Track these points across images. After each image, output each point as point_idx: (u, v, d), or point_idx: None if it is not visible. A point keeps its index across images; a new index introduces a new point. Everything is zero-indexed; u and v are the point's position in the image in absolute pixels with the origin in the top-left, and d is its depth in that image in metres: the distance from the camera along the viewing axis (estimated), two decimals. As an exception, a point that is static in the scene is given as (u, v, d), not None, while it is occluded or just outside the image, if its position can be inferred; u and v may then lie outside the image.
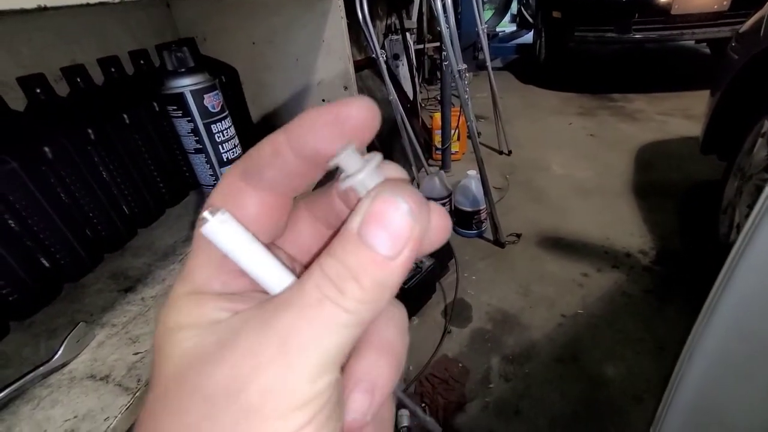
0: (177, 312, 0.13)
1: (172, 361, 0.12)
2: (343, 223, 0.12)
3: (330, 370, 0.11)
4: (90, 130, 0.51)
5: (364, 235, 0.11)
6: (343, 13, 0.72)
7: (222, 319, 0.13)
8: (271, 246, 0.15)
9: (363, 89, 1.85)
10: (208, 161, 0.49)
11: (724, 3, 2.57)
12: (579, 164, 2.26)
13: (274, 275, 0.13)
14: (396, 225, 0.12)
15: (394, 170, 0.15)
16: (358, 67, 1.82)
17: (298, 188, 0.15)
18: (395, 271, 0.12)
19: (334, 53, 0.75)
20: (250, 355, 0.11)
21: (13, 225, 0.44)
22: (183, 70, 0.44)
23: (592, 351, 1.18)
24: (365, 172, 0.13)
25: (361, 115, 0.13)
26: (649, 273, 1.44)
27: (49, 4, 0.22)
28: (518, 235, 1.68)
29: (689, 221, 1.68)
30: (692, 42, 3.75)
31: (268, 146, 0.13)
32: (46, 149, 0.46)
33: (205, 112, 0.46)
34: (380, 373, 0.14)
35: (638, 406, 1.02)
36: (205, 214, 0.12)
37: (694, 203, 1.79)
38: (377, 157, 0.14)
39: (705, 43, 3.78)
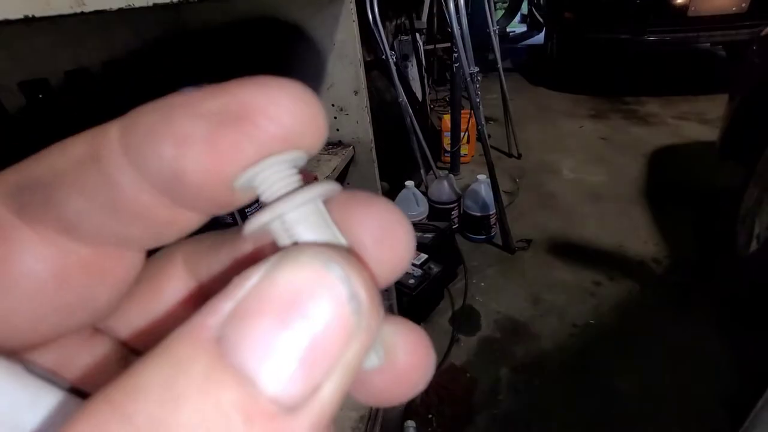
0: None
1: None
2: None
3: None
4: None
5: (234, 348, 0.06)
6: (354, 17, 0.70)
7: None
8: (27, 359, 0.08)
9: (372, 90, 1.83)
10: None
11: (743, 5, 2.51)
12: (591, 168, 2.22)
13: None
14: (317, 330, 0.06)
15: (351, 201, 0.09)
16: (368, 68, 1.80)
17: (143, 238, 0.08)
18: None
19: (345, 57, 0.73)
20: None
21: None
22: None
23: (604, 362, 1.15)
24: (293, 202, 0.07)
25: (287, 111, 0.07)
26: (664, 283, 1.40)
27: (37, 14, 0.20)
28: (528, 241, 1.65)
29: (705, 230, 1.63)
30: (707, 44, 3.67)
31: (78, 146, 0.07)
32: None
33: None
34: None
35: (652, 421, 0.99)
36: None
37: (710, 211, 1.74)
38: (326, 185, 0.08)
39: (720, 46, 3.70)
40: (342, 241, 0.08)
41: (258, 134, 0.07)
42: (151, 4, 0.27)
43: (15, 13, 0.19)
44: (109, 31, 0.65)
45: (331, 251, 0.07)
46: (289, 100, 0.07)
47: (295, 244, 0.07)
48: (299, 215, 0.07)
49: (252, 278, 0.06)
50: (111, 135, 0.07)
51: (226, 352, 0.06)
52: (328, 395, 0.06)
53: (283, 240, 0.07)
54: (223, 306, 0.06)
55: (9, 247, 0.07)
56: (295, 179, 0.08)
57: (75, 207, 0.07)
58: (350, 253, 0.07)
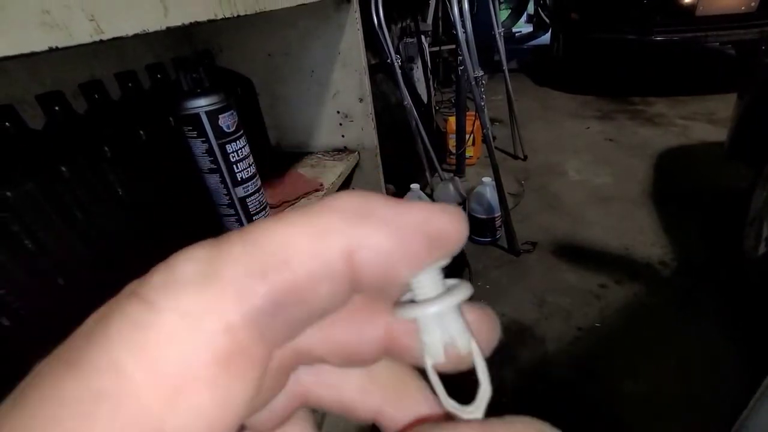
0: None
1: None
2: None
3: None
4: (106, 148, 0.51)
5: None
6: (359, 26, 0.71)
7: None
8: None
9: (377, 93, 1.84)
10: (223, 181, 0.48)
11: (752, 4, 2.48)
12: (597, 170, 2.21)
13: None
14: None
15: (480, 314, 0.11)
16: (373, 71, 1.82)
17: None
18: None
19: (350, 65, 0.74)
20: None
21: (28, 245, 0.44)
22: (198, 90, 0.44)
23: (610, 366, 1.15)
24: (441, 305, 0.10)
25: (461, 234, 0.10)
26: (670, 286, 1.40)
27: (60, 45, 0.21)
28: (533, 244, 1.65)
29: (713, 232, 1.62)
30: (717, 43, 3.63)
31: (325, 282, 0.09)
32: (63, 168, 0.46)
33: (219, 132, 0.46)
34: None
35: (658, 425, 0.99)
36: None
37: (718, 213, 1.73)
38: (463, 288, 0.11)
39: (730, 45, 3.66)
40: (470, 336, 0.11)
41: (449, 249, 0.10)
42: (164, 28, 0.29)
43: (41, 46, 0.20)
44: (121, 42, 0.67)
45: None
46: (463, 225, 0.10)
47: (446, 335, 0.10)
48: (445, 314, 0.10)
49: None
50: (340, 246, 0.09)
51: None
52: None
53: (428, 331, 0.10)
54: None
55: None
56: (441, 283, 0.11)
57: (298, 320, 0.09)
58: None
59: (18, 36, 0.19)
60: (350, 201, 0.10)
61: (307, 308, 0.09)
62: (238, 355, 0.08)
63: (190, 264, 0.09)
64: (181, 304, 0.08)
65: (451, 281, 0.11)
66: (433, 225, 0.10)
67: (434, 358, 0.10)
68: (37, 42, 0.20)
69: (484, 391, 0.10)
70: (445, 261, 0.10)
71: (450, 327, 0.10)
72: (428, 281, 0.10)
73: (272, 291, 0.08)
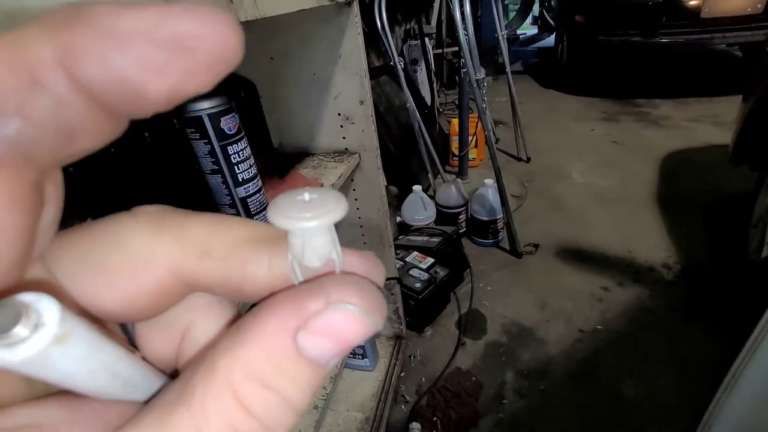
0: None
1: None
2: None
3: None
4: (112, 149, 0.52)
5: (311, 351, 0.09)
6: (360, 29, 0.72)
7: None
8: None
9: (381, 95, 1.85)
10: (224, 182, 0.50)
11: (758, 6, 2.47)
12: (601, 172, 2.20)
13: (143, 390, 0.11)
14: (352, 341, 0.10)
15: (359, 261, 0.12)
16: (377, 73, 1.83)
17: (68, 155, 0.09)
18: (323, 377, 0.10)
19: (351, 68, 0.75)
20: None
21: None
22: (201, 93, 0.45)
23: (610, 369, 1.14)
24: (318, 221, 0.10)
25: (219, 38, 0.08)
26: (673, 289, 1.39)
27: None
28: (536, 246, 1.65)
29: (716, 235, 1.61)
30: (723, 45, 3.61)
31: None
32: (71, 169, 0.48)
33: (221, 134, 0.47)
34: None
35: (658, 429, 0.99)
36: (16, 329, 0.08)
37: (722, 216, 1.72)
38: (338, 209, 0.10)
39: (737, 46, 3.63)
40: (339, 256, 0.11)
41: (208, 61, 0.08)
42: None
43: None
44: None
45: (364, 302, 0.10)
46: (224, 27, 0.08)
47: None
48: (321, 236, 0.10)
49: (314, 307, 0.10)
50: (46, 51, 0.08)
51: (309, 355, 0.10)
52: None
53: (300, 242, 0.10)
54: (301, 316, 0.10)
55: None
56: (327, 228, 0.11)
57: (13, 129, 0.08)
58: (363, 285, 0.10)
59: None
60: (59, 9, 0.08)
61: (30, 123, 0.08)
62: None
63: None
64: None
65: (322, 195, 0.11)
66: (169, 28, 0.08)
67: (297, 258, 0.11)
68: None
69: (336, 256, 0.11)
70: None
71: (319, 240, 0.10)
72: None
73: None
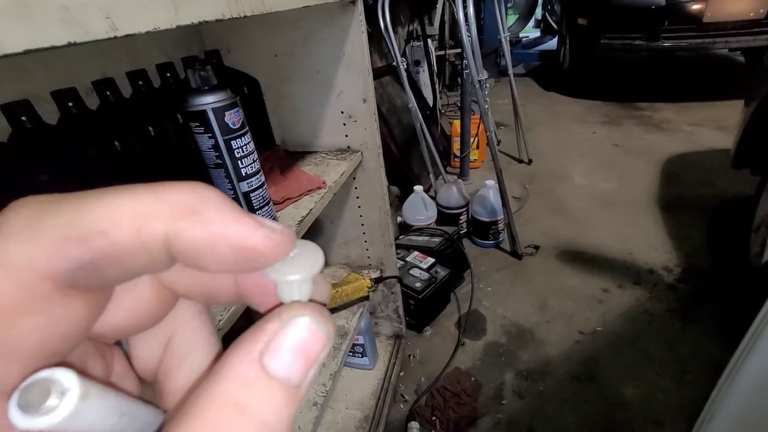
0: None
1: None
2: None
3: None
4: (117, 142, 0.53)
5: (278, 371, 0.10)
6: (363, 27, 0.72)
7: None
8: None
9: (383, 96, 1.86)
10: (227, 176, 0.50)
11: (761, 11, 2.47)
12: (602, 175, 2.21)
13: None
14: (317, 358, 0.11)
15: (321, 283, 0.14)
16: (380, 73, 1.83)
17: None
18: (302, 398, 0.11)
19: (354, 67, 0.76)
20: None
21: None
22: (206, 88, 0.45)
23: (610, 371, 1.14)
24: (301, 276, 0.12)
25: (274, 254, 0.11)
26: (673, 291, 1.39)
27: (78, 40, 0.22)
28: (536, 247, 1.65)
29: (718, 239, 1.61)
30: (725, 49, 3.62)
31: (127, 234, 0.10)
32: (76, 161, 0.48)
33: (225, 128, 0.47)
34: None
35: (657, 431, 0.99)
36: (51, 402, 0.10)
37: (723, 220, 1.72)
38: (315, 264, 0.13)
39: (739, 51, 3.64)
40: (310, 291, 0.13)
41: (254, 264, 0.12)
42: (174, 26, 0.30)
43: (60, 41, 0.22)
44: (133, 41, 0.69)
45: (321, 314, 0.12)
46: (275, 245, 0.12)
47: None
48: (302, 284, 0.13)
49: (288, 334, 0.11)
50: (158, 230, 0.10)
51: (281, 378, 0.10)
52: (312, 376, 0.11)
53: (286, 293, 0.13)
54: (262, 339, 0.11)
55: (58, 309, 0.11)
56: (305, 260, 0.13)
57: (115, 276, 0.11)
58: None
59: (40, 31, 0.20)
60: (186, 194, 0.11)
61: (127, 267, 0.11)
62: (41, 297, 0.10)
63: (18, 220, 0.10)
64: (3, 254, 0.09)
65: (305, 248, 0.13)
66: (244, 242, 0.11)
67: (284, 299, 0.13)
68: (58, 37, 0.21)
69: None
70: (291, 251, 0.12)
71: (301, 288, 0.13)
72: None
73: (85, 254, 0.10)
